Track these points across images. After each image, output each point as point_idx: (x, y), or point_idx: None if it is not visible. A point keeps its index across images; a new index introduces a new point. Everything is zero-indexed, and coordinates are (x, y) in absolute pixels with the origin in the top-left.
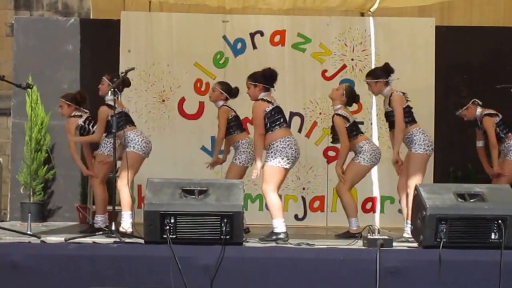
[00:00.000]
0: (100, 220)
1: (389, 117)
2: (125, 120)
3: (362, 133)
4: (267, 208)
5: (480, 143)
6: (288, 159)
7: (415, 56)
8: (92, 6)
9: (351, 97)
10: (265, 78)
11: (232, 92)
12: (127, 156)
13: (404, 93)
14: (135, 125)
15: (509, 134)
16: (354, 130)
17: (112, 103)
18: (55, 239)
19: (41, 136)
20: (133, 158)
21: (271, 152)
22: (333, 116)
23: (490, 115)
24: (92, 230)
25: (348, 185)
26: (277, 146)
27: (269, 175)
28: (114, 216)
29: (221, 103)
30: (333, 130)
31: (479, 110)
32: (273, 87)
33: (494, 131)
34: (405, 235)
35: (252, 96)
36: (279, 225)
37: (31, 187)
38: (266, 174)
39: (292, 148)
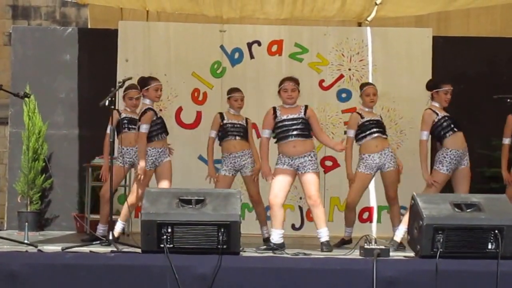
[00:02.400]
0: (102, 229)
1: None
2: (164, 127)
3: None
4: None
5: (506, 141)
6: None
7: (412, 66)
8: (90, 15)
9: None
10: None
11: None
12: (168, 167)
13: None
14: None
15: None
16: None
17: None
18: (52, 248)
19: (39, 145)
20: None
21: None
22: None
23: None
24: (91, 239)
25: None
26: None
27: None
28: (112, 226)
29: None
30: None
31: None
32: None
33: None
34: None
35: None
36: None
37: (28, 196)
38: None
39: None
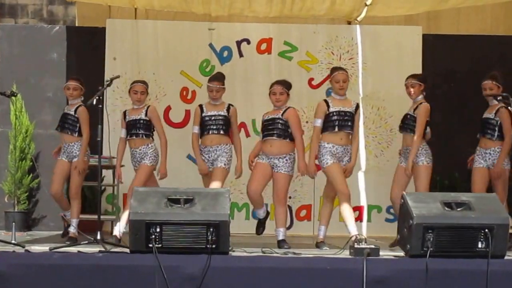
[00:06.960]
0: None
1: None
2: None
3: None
4: (254, 217)
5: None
6: None
7: (402, 64)
8: (78, 13)
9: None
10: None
11: None
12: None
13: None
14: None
15: None
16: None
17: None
18: (39, 248)
19: (26, 145)
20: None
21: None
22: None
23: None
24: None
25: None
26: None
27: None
28: (100, 226)
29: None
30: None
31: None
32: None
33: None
34: None
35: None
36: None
37: (15, 196)
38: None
39: None
